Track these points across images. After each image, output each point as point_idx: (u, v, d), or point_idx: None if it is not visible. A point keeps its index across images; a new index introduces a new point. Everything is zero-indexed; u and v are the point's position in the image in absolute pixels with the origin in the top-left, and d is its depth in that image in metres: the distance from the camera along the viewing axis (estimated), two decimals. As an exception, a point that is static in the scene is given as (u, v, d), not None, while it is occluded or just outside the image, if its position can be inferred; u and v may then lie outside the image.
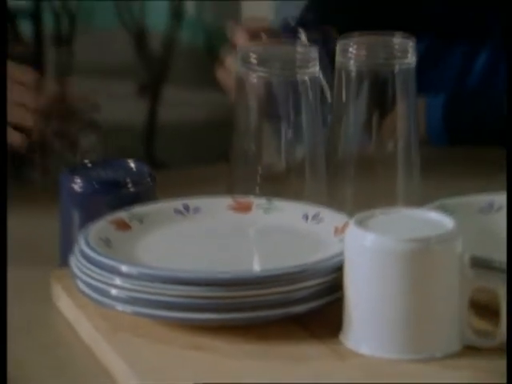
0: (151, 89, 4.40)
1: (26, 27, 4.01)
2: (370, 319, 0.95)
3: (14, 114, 1.47)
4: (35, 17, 3.97)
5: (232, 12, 4.20)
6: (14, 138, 1.47)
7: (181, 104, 4.77)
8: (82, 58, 4.78)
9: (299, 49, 1.24)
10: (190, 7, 4.67)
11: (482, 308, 0.98)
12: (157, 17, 4.90)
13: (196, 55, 5.58)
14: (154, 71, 4.50)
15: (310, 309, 0.98)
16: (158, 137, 3.95)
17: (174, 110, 4.57)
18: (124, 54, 5.06)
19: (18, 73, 1.53)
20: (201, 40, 5.67)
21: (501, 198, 1.17)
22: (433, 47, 1.71)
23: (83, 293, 1.01)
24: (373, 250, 0.94)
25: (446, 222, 0.96)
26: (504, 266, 1.00)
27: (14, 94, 1.48)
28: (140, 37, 4.90)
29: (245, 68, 1.20)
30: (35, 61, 3.95)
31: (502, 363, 0.92)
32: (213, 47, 5.49)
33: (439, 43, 1.72)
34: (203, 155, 2.55)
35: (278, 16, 3.04)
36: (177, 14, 4.21)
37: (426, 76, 1.60)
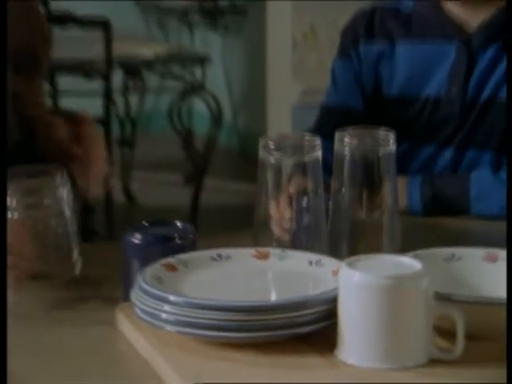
0: (195, 179, 4.39)
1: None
2: (357, 338, 0.99)
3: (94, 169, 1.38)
4: (105, 123, 4.01)
5: (260, 120, 4.25)
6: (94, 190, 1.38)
7: (219, 191, 4.79)
8: (141, 155, 4.87)
9: (306, 137, 1.24)
10: (227, 115, 4.73)
11: (444, 331, 1.01)
12: (201, 123, 4.96)
13: (231, 154, 5.61)
14: (197, 165, 4.50)
15: (312, 330, 1.01)
16: (200, 217, 3.98)
17: (214, 196, 4.59)
18: (174, 151, 5.11)
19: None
20: (235, 142, 5.73)
21: (460, 251, 1.19)
22: (409, 146, 1.68)
23: (140, 318, 1.05)
24: (359, 285, 0.98)
25: (416, 265, 1.00)
26: (460, 298, 1.04)
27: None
28: (187, 138, 4.96)
29: (265, 152, 1.21)
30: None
31: (459, 372, 0.97)
32: (244, 148, 5.57)
33: (414, 143, 1.70)
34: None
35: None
36: (216, 121, 4.24)
37: (404, 165, 1.61)
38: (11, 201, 1.21)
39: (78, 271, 1.23)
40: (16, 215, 1.22)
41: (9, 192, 1.22)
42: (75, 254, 1.24)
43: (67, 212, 1.24)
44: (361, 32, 1.75)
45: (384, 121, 1.59)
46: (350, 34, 1.78)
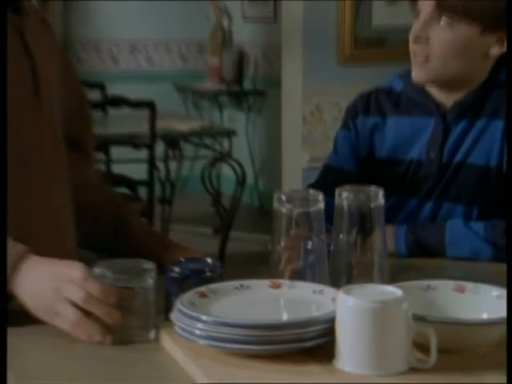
0: (222, 231, 4.36)
1: (142, 192, 4.10)
2: (351, 350, 1.00)
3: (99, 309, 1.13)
4: (149, 185, 4.04)
5: (277, 182, 4.27)
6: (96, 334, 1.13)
7: (242, 241, 4.78)
8: (178, 211, 4.87)
9: (311, 192, 1.24)
10: (249, 178, 4.73)
11: (420, 345, 1.02)
12: (227, 185, 4.97)
13: (252, 210, 5.60)
14: (224, 220, 4.50)
15: (315, 344, 1.03)
16: (226, 262, 3.94)
17: (238, 245, 4.59)
18: (205, 208, 5.11)
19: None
20: (256, 200, 5.68)
21: (434, 283, 1.19)
22: (397, 200, 1.65)
23: (179, 334, 1.06)
24: (353, 308, 0.99)
25: (398, 292, 1.01)
26: (433, 319, 1.04)
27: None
28: (216, 197, 4.97)
29: (278, 204, 1.20)
30: (147, 214, 3.97)
31: (433, 377, 0.98)
32: (263, 205, 5.58)
33: (400, 197, 1.67)
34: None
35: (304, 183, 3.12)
36: (241, 183, 4.23)
37: (392, 215, 1.60)
38: (104, 272, 1.13)
39: (153, 336, 1.14)
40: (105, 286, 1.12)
41: (103, 264, 1.16)
42: (153, 321, 1.15)
43: (151, 289, 1.14)
44: (359, 109, 1.75)
45: (376, 178, 1.61)
46: (351, 110, 1.78)
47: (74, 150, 1.52)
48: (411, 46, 1.61)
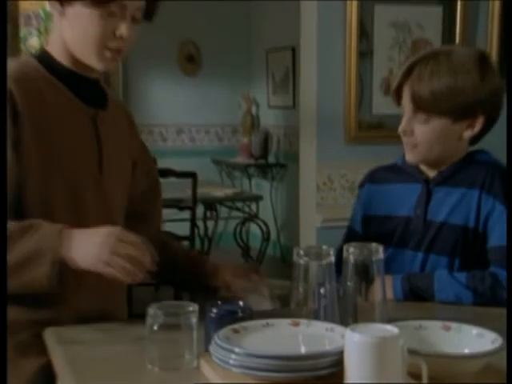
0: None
1: (185, 245, 4.05)
2: (357, 377, 0.98)
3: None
4: (191, 240, 4.03)
5: (295, 238, 4.25)
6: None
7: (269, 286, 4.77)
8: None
9: (324, 247, 1.20)
10: (273, 235, 4.72)
11: (413, 374, 1.01)
12: (255, 240, 4.98)
13: (276, 260, 5.50)
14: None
15: (328, 373, 1.01)
16: None
17: None
18: (237, 259, 5.02)
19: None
20: (278, 252, 5.60)
21: (425, 323, 1.18)
22: (392, 251, 1.65)
23: (216, 363, 1.06)
24: (358, 343, 0.98)
25: (396, 330, 1.00)
26: (424, 353, 1.03)
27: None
28: (246, 250, 4.97)
29: (297, 257, 1.20)
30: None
31: None
32: (284, 257, 5.56)
33: (395, 249, 1.67)
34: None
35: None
36: (266, 239, 4.24)
37: (389, 265, 1.54)
38: (156, 312, 1.12)
39: (195, 363, 1.13)
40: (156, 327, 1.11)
41: (155, 305, 1.13)
42: (196, 352, 1.14)
43: (194, 326, 1.13)
44: (367, 180, 1.80)
45: (377, 232, 1.68)
46: (361, 183, 1.82)
47: (142, 223, 1.53)
48: (401, 137, 1.65)
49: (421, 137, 1.62)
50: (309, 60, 2.91)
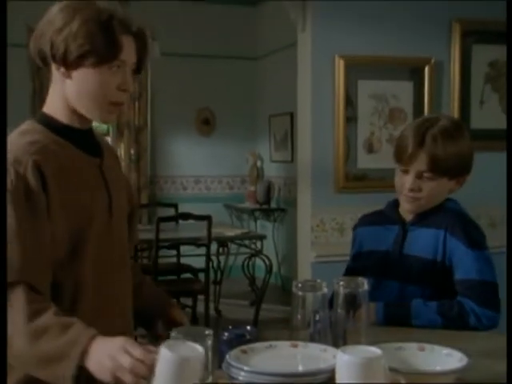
0: (256, 303, 4.17)
1: (201, 276, 3.95)
2: None
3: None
4: (206, 271, 3.91)
5: (293, 271, 4.20)
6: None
7: (270, 311, 4.61)
8: (225, 289, 4.77)
9: (318, 281, 1.19)
10: (275, 267, 4.68)
11: None
12: (259, 271, 4.91)
13: (277, 289, 5.45)
14: (257, 296, 4.32)
15: None
16: (259, 325, 3.87)
17: (267, 314, 4.43)
18: (244, 287, 4.99)
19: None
20: (280, 282, 5.56)
21: (403, 344, 1.16)
22: (374, 281, 1.55)
23: (229, 377, 1.04)
24: (347, 362, 0.96)
25: (379, 351, 0.98)
26: (404, 370, 1.02)
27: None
28: (252, 280, 4.90)
29: (295, 289, 1.17)
30: (205, 291, 3.84)
31: None
32: (284, 286, 5.49)
33: (377, 279, 1.62)
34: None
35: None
36: (269, 271, 4.15)
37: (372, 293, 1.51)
38: (178, 336, 1.01)
39: (210, 379, 1.02)
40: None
41: (177, 330, 1.03)
42: (211, 369, 1.03)
43: (209, 347, 1.01)
44: (359, 224, 1.79)
45: (363, 266, 1.66)
46: (354, 227, 1.81)
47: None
48: (406, 192, 1.63)
49: (427, 192, 1.61)
50: (304, 123, 2.95)
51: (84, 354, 1.07)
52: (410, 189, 1.62)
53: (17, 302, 1.10)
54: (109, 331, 1.12)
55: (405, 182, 1.62)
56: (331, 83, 2.76)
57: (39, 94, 5.20)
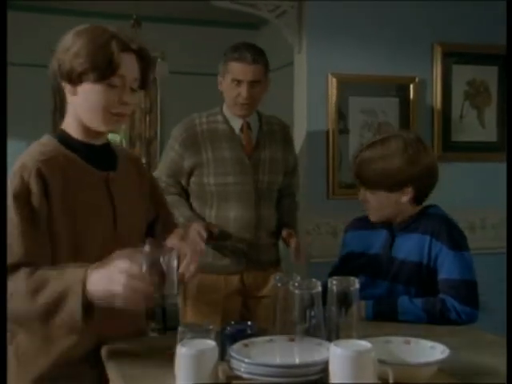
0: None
1: None
2: (339, 381, 0.95)
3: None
4: None
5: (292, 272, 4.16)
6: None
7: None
8: None
9: (313, 280, 1.16)
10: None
11: (382, 379, 0.98)
12: None
13: None
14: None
15: (316, 378, 0.99)
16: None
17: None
18: None
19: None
20: None
21: (391, 338, 1.16)
22: (365, 280, 1.62)
23: (231, 368, 1.03)
24: (340, 355, 0.96)
25: (368, 345, 0.98)
26: (390, 362, 1.00)
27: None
28: None
29: (293, 288, 1.15)
30: None
31: None
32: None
33: (368, 278, 1.64)
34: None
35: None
36: None
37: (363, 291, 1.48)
38: (186, 331, 1.03)
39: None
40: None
41: (184, 326, 1.04)
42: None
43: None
44: (349, 227, 1.80)
45: (355, 266, 1.66)
46: (345, 230, 1.81)
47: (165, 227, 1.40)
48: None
49: (372, 203, 1.66)
50: (301, 136, 2.95)
51: (84, 282, 1.06)
52: (362, 200, 1.68)
53: (17, 276, 1.10)
54: (117, 332, 1.13)
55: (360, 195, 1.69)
56: (325, 99, 2.78)
57: (60, 110, 5.21)
